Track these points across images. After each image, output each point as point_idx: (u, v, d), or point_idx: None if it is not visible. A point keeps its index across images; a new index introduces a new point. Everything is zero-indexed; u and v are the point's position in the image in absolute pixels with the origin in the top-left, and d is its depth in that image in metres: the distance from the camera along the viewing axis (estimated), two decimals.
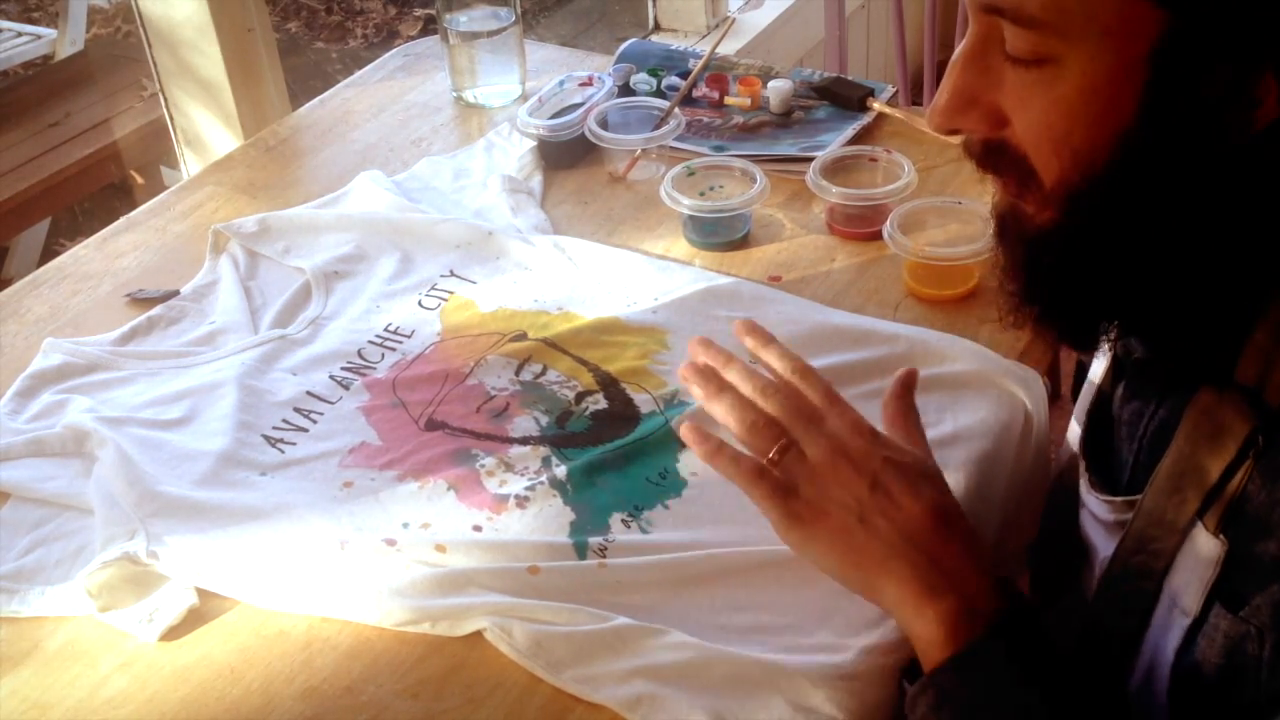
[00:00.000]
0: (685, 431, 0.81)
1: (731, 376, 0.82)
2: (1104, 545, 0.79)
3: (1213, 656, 0.68)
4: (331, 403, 1.00)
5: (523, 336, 1.05)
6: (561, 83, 1.34)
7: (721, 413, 0.81)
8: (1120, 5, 0.60)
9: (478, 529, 0.88)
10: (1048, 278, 0.69)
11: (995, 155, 0.68)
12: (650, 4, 2.46)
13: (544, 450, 0.94)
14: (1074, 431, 0.87)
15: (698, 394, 0.82)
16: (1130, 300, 0.69)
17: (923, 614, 0.72)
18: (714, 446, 0.79)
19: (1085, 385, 0.87)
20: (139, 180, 2.77)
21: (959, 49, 0.68)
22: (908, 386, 0.86)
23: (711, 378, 0.82)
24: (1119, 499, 0.77)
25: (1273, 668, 0.65)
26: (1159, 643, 0.71)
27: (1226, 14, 0.59)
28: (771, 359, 0.84)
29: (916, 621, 0.73)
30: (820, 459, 0.78)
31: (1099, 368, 0.85)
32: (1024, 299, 0.71)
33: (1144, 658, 0.73)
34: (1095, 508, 0.80)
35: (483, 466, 0.93)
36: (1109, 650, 0.75)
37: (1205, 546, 0.67)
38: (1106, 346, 0.78)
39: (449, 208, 1.22)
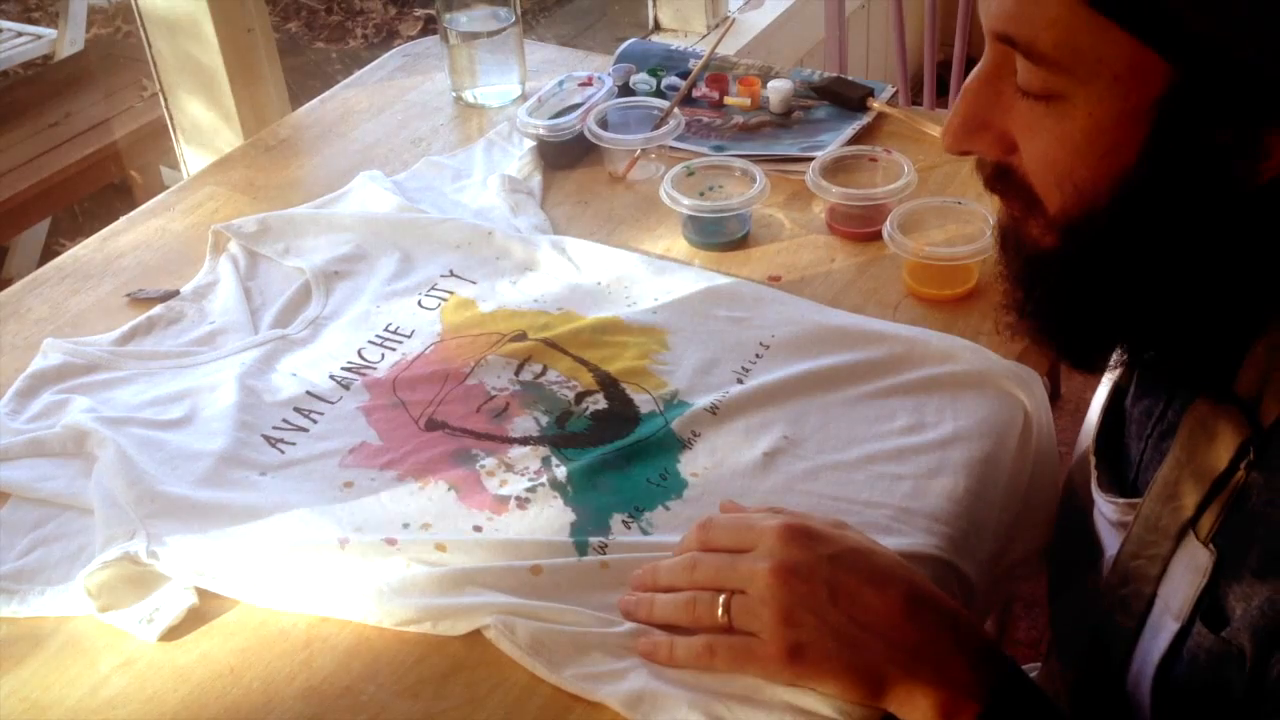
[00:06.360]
0: (640, 648, 0.78)
1: (660, 579, 0.81)
2: (1110, 544, 0.79)
3: (1196, 670, 0.69)
4: (331, 403, 1.00)
5: (523, 336, 1.05)
6: (561, 83, 1.34)
7: (664, 618, 0.79)
8: (1131, 53, 0.60)
9: (478, 529, 0.87)
10: (1047, 297, 0.70)
11: (1003, 179, 0.69)
12: (650, 4, 2.46)
13: (544, 450, 0.94)
14: (1091, 421, 0.87)
15: (642, 622, 0.80)
16: (1127, 325, 0.70)
17: (917, 707, 0.73)
18: (665, 652, 0.77)
19: (1104, 378, 0.87)
20: (139, 180, 2.77)
21: (974, 71, 0.68)
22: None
23: (641, 602, 0.80)
24: (1122, 501, 0.77)
25: (1250, 689, 0.65)
26: (1149, 646, 0.72)
27: (1235, 73, 0.59)
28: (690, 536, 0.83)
29: (914, 716, 0.73)
30: (767, 590, 0.75)
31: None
32: (1022, 313, 0.72)
33: (1136, 661, 0.74)
34: (1102, 506, 0.80)
35: (483, 467, 0.93)
36: (1111, 653, 0.76)
37: (1195, 555, 0.68)
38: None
39: (449, 208, 1.22)
